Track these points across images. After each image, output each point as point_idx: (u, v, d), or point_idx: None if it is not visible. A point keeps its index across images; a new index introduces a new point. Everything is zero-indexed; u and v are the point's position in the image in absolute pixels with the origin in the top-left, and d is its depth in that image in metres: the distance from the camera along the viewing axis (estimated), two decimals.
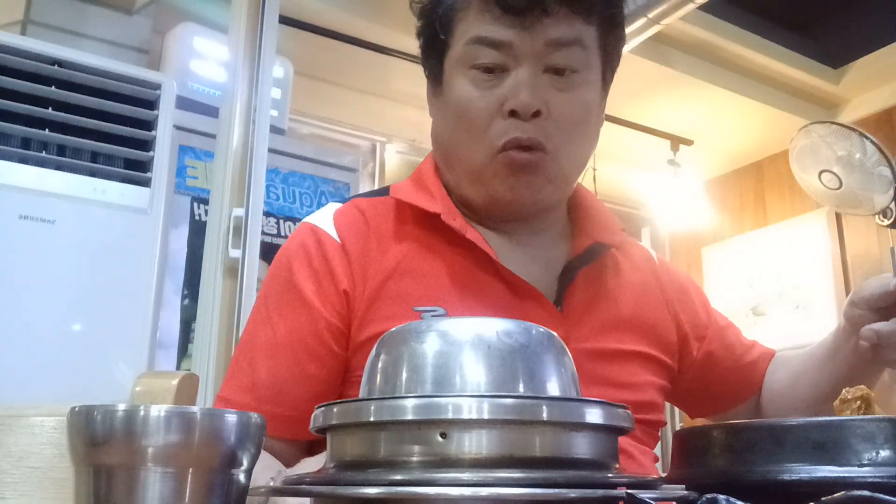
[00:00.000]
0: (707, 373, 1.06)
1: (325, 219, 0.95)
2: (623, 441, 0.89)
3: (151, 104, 2.04)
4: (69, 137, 1.91)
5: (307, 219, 0.97)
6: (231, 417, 0.46)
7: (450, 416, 0.43)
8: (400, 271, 0.89)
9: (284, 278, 0.92)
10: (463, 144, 0.90)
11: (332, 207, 0.97)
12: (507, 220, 0.95)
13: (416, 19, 0.97)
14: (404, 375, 0.48)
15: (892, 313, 0.88)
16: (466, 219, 0.93)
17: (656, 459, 0.97)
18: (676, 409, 3.59)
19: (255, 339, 0.91)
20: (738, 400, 1.09)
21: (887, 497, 0.37)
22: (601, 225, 0.98)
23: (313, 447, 0.88)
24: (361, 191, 2.59)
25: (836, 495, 0.38)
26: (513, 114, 0.86)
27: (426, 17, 0.95)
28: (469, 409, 0.43)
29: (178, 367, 2.40)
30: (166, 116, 2.04)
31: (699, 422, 1.37)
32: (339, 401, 0.48)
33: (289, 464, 0.84)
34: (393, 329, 0.51)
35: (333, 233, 0.92)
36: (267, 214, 2.31)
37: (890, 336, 0.86)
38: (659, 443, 1.00)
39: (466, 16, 0.89)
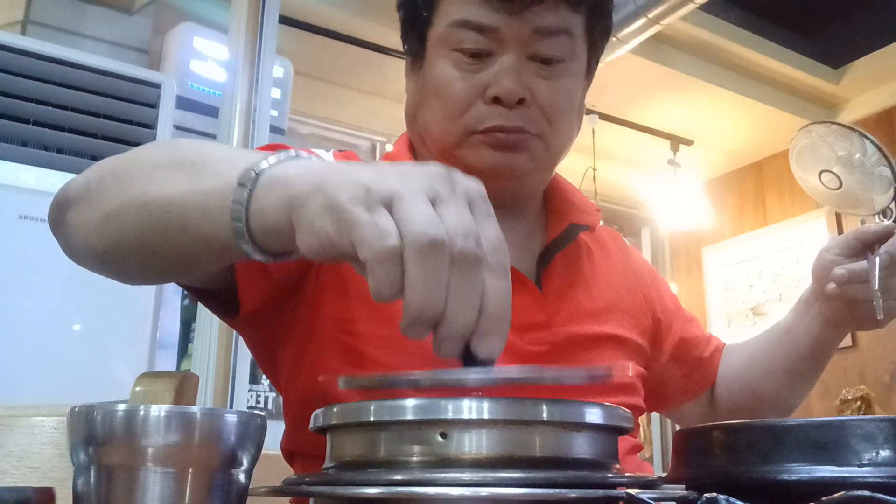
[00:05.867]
0: (675, 362, 1.06)
1: (322, 152, 0.92)
2: None
3: (151, 104, 2.04)
4: (69, 137, 1.91)
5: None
6: (231, 417, 0.46)
7: (450, 416, 0.43)
8: None
9: None
10: (439, 124, 0.89)
11: (329, 151, 0.95)
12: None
13: None
14: None
15: (863, 258, 0.94)
16: None
17: (639, 448, 0.96)
18: None
19: None
20: (694, 393, 1.10)
21: (887, 497, 0.37)
22: (576, 207, 0.98)
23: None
24: None
25: (836, 495, 0.38)
26: (496, 100, 0.85)
27: None
28: (469, 409, 0.43)
29: (178, 367, 2.40)
30: (166, 116, 2.04)
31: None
32: (338, 403, 0.48)
33: None
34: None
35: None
36: None
37: (861, 274, 0.91)
38: (657, 441, 1.01)
39: None
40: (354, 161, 0.92)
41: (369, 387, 0.50)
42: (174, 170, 0.62)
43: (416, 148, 0.96)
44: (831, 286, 0.93)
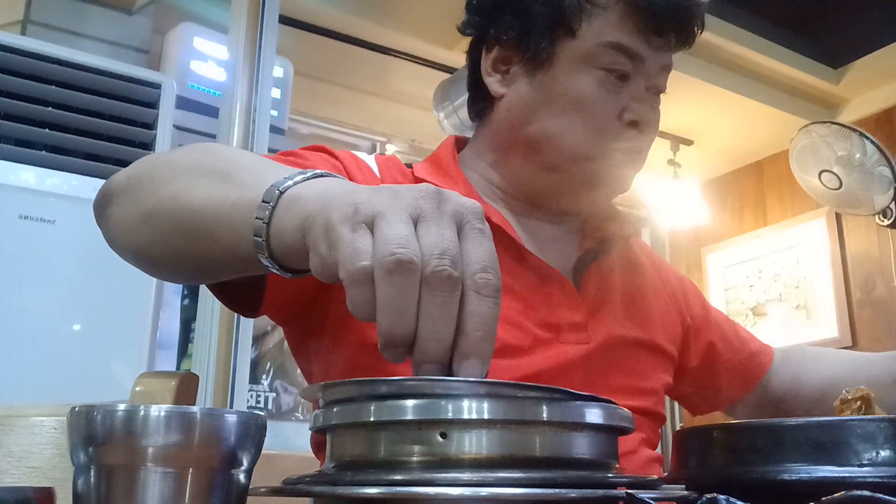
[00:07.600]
0: (709, 365, 1.08)
1: (365, 155, 0.94)
2: (629, 439, 0.89)
3: (151, 104, 2.04)
4: (69, 137, 1.91)
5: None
6: (231, 417, 0.46)
7: (450, 416, 0.43)
8: None
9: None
10: (575, 135, 0.91)
11: (370, 154, 0.97)
12: (545, 209, 0.97)
13: None
14: None
15: None
16: (487, 200, 0.94)
17: (660, 460, 0.97)
18: (677, 408, 3.58)
19: None
20: (740, 393, 1.10)
21: (887, 497, 0.37)
22: (616, 218, 1.02)
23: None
24: None
25: (836, 495, 0.38)
26: (632, 123, 0.91)
27: None
28: (469, 409, 0.43)
29: (178, 367, 2.40)
30: (166, 116, 2.04)
31: (698, 421, 1.38)
32: (338, 403, 0.48)
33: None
34: None
35: (375, 168, 0.92)
36: None
37: None
38: (659, 443, 1.01)
39: (605, 14, 0.90)
40: (394, 165, 0.94)
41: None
42: (205, 177, 0.64)
43: (501, 150, 0.97)
44: None
